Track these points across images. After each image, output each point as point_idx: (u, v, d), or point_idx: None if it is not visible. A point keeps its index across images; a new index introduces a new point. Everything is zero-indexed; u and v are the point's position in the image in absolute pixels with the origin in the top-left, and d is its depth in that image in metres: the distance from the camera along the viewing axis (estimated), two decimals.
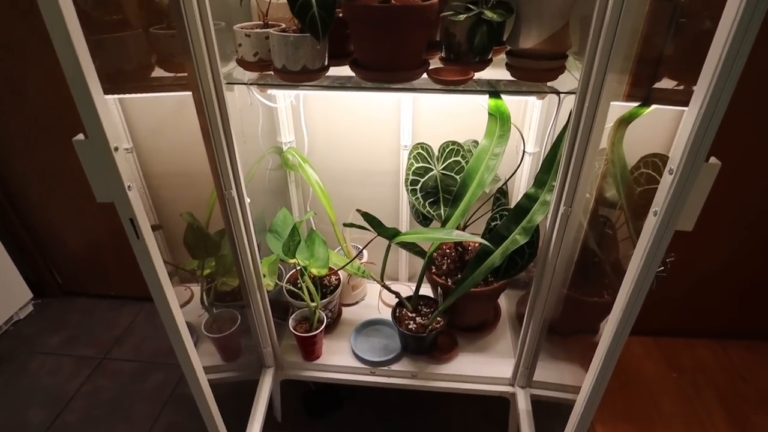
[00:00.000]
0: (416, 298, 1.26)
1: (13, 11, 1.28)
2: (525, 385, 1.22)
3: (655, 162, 1.03)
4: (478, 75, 0.93)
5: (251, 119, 1.17)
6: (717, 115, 0.51)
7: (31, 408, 1.45)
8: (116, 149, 0.63)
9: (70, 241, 1.76)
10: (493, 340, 1.33)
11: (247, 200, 0.98)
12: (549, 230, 0.97)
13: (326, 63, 0.90)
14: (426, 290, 1.31)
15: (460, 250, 1.31)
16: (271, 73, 0.91)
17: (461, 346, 1.30)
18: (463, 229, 1.23)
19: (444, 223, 1.12)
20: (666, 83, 0.91)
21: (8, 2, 1.27)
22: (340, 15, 0.86)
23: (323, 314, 1.25)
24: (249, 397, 1.23)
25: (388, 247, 1.12)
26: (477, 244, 1.21)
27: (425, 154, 1.16)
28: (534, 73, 0.91)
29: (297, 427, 1.38)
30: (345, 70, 0.92)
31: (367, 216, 1.05)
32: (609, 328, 0.72)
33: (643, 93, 0.92)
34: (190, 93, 0.83)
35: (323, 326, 1.23)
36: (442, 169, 1.16)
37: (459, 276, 1.22)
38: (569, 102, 0.85)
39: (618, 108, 0.86)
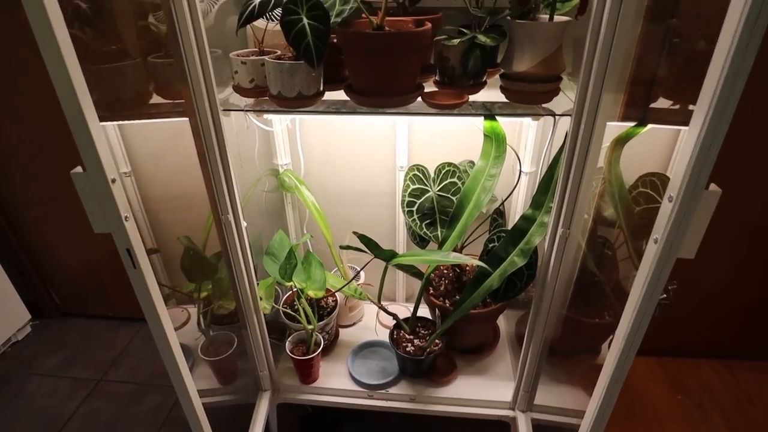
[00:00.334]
0: (414, 320, 1.24)
1: (14, 39, 1.31)
2: (526, 409, 1.20)
3: (654, 181, 1.02)
4: (472, 98, 0.93)
5: (248, 142, 1.18)
6: (716, 141, 0.50)
7: (27, 430, 1.43)
8: (113, 181, 0.63)
9: (69, 263, 1.76)
10: (493, 361, 1.31)
11: (244, 224, 0.98)
12: (547, 252, 0.96)
13: (321, 89, 0.91)
14: (424, 311, 1.30)
15: (458, 271, 1.30)
16: (267, 98, 0.91)
17: (460, 368, 1.28)
18: (461, 250, 1.22)
19: (441, 245, 1.11)
20: (662, 103, 0.91)
21: (10, 30, 1.30)
22: (335, 41, 0.87)
23: (320, 337, 1.24)
24: (245, 421, 1.21)
25: (385, 268, 1.11)
26: (475, 265, 1.20)
27: (421, 175, 1.16)
28: (529, 95, 0.91)
29: None
30: (340, 94, 0.93)
31: (363, 238, 1.05)
32: (612, 355, 0.71)
33: (639, 113, 0.92)
34: (188, 119, 0.84)
35: (320, 349, 1.21)
36: (439, 190, 1.16)
37: (457, 297, 1.21)
38: (565, 122, 0.86)
39: (614, 128, 0.86)
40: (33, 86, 1.37)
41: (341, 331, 1.41)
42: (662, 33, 0.86)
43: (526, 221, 1.02)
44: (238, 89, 0.94)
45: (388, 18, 0.83)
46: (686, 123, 0.89)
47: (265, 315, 1.13)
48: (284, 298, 1.34)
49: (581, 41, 0.75)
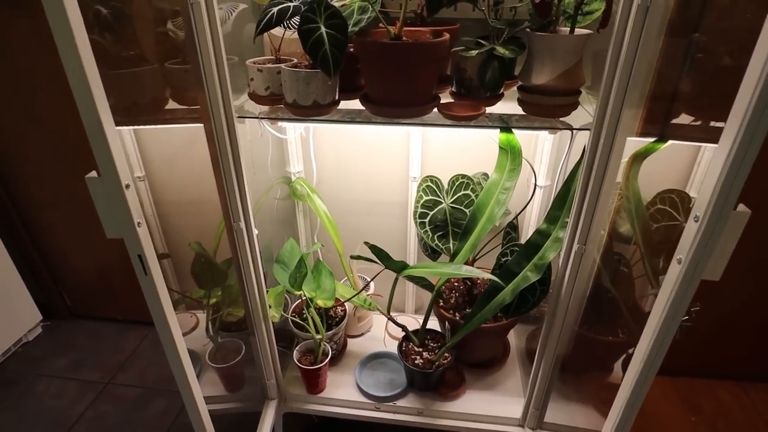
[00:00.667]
0: (423, 333, 1.23)
1: (35, 42, 1.32)
2: (536, 426, 1.17)
3: (672, 198, 1.00)
4: (489, 110, 0.92)
5: (261, 150, 1.18)
6: (747, 160, 0.48)
7: None
8: (127, 186, 0.63)
9: (81, 265, 1.78)
10: (502, 377, 1.29)
11: (255, 231, 0.98)
12: (562, 268, 0.94)
13: (337, 97, 0.90)
14: (433, 324, 1.28)
15: (469, 284, 1.28)
16: (282, 106, 0.91)
17: (469, 382, 1.26)
18: (473, 263, 1.21)
19: (453, 257, 1.09)
20: (683, 119, 0.89)
21: (32, 35, 1.32)
22: (351, 50, 0.87)
23: (328, 346, 1.23)
24: (251, 430, 1.20)
25: (396, 279, 1.10)
26: (486, 279, 1.18)
27: (434, 187, 1.15)
28: (547, 108, 0.90)
29: None
30: (355, 103, 0.92)
31: (374, 248, 1.04)
32: (629, 377, 0.69)
33: (659, 128, 0.90)
34: (202, 125, 0.84)
35: (328, 359, 1.20)
36: (452, 202, 1.14)
37: (467, 310, 1.19)
38: (582, 136, 0.84)
39: (633, 143, 0.85)
40: (52, 89, 1.39)
41: (349, 341, 1.39)
42: (684, 47, 0.85)
43: (541, 236, 1.00)
44: (254, 96, 0.94)
45: (405, 28, 0.82)
46: (709, 139, 0.87)
47: (273, 323, 1.13)
48: (293, 306, 1.33)
49: (602, 54, 0.74)
